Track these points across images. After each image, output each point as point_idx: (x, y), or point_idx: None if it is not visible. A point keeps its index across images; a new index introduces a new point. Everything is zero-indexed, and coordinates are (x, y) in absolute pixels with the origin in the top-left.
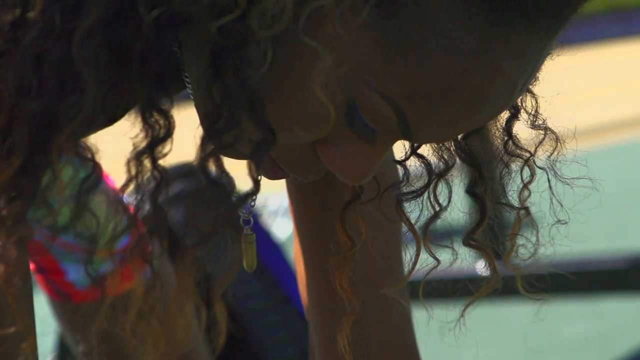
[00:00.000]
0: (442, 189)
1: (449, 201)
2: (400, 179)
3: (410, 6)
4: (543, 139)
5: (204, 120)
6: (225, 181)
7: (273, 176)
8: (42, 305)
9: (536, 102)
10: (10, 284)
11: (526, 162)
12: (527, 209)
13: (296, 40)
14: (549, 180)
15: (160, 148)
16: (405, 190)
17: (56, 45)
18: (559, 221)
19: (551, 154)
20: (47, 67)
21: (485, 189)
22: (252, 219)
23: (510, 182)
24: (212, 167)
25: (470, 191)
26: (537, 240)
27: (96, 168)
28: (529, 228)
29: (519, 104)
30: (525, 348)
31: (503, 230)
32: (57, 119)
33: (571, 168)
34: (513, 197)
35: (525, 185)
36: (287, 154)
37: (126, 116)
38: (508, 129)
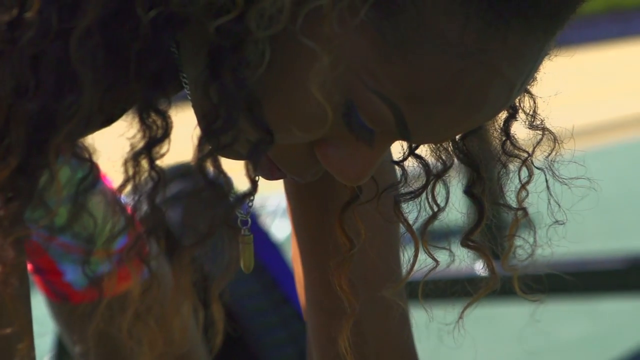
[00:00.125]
0: (440, 189)
1: (447, 202)
2: (399, 179)
3: (408, 7)
4: (541, 139)
5: (202, 121)
6: (222, 181)
7: (270, 177)
8: (39, 306)
9: (534, 102)
10: (7, 285)
11: (524, 162)
12: (524, 209)
13: (294, 41)
14: (546, 181)
15: (157, 148)
16: (403, 191)
17: (53, 45)
18: (556, 222)
19: (549, 154)
20: (44, 67)
21: (483, 190)
22: (249, 220)
23: (508, 182)
24: (209, 168)
25: (468, 192)
26: (535, 241)
27: (93, 168)
28: (527, 229)
29: (517, 104)
30: (523, 348)
31: (501, 230)
32: (54, 119)
33: (569, 168)
34: (511, 198)
35: (523, 186)
36: (285, 154)
37: (124, 116)
38: (506, 129)
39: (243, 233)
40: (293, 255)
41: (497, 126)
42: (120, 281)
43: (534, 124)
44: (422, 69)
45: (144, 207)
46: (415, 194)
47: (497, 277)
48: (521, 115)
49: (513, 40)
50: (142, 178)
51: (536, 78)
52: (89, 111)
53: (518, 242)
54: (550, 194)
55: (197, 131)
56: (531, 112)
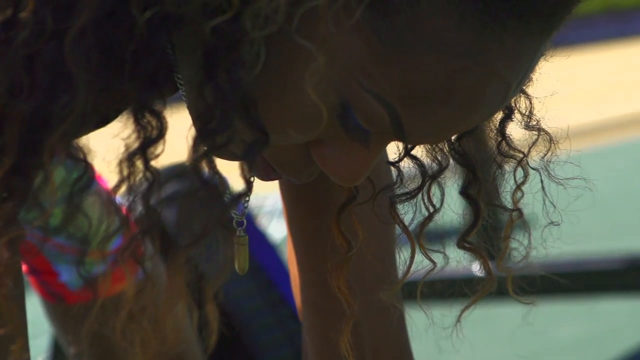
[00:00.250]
0: (436, 190)
1: (442, 203)
2: (394, 180)
3: (404, 7)
4: (536, 139)
5: (197, 121)
6: (217, 182)
7: (266, 177)
8: (36, 307)
9: (530, 102)
10: (1, 285)
11: (519, 162)
12: (520, 210)
13: (289, 41)
14: (541, 181)
15: (152, 149)
16: (399, 192)
17: (48, 45)
18: (551, 222)
19: (545, 154)
20: (38, 68)
21: (478, 191)
22: (245, 221)
23: (504, 183)
24: (204, 168)
25: (464, 193)
26: (530, 242)
27: (88, 169)
28: (523, 229)
29: (513, 104)
30: (520, 349)
31: (497, 231)
32: (48, 119)
33: (567, 169)
34: (506, 199)
35: (519, 187)
36: (280, 155)
37: (119, 117)
38: (502, 129)
39: (238, 234)
40: (289, 255)
41: (492, 127)
42: (115, 282)
43: (530, 124)
44: (417, 69)
45: (139, 208)
46: (411, 195)
47: (493, 278)
48: (517, 116)
49: (509, 41)
50: (137, 179)
51: (532, 78)
52: (83, 112)
53: (514, 243)
54: (545, 194)
55: (192, 132)
56: (527, 113)
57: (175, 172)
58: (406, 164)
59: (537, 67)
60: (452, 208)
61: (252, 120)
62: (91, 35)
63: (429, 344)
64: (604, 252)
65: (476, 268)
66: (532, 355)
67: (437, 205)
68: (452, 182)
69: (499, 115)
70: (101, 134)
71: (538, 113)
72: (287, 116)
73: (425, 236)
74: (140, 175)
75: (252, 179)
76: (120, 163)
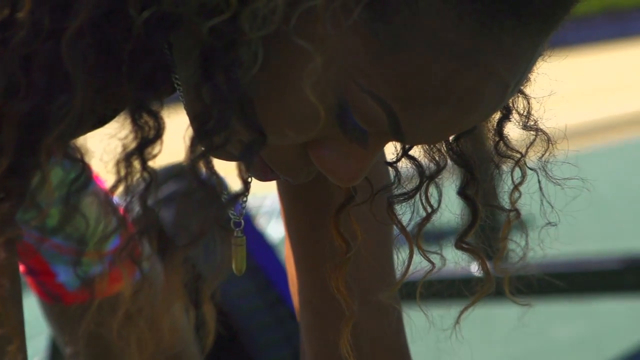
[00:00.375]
0: (433, 190)
1: (439, 203)
2: (392, 181)
3: (401, 7)
4: (534, 139)
5: (194, 122)
6: (215, 182)
7: (263, 178)
8: (34, 307)
9: (528, 103)
10: None
11: (517, 163)
12: (517, 210)
13: (287, 41)
14: (539, 182)
15: (149, 149)
16: (396, 193)
17: (45, 45)
18: (549, 223)
19: (542, 155)
20: (35, 68)
21: (476, 191)
22: (242, 221)
23: (502, 183)
24: (202, 169)
25: (461, 193)
26: (527, 242)
27: (85, 169)
28: (521, 230)
29: (511, 105)
30: (518, 349)
31: (496, 232)
32: (46, 119)
33: (565, 169)
34: (504, 199)
35: (516, 187)
36: (278, 155)
37: (116, 118)
38: (499, 129)
39: (236, 235)
40: (286, 256)
41: (490, 127)
42: (113, 282)
43: (528, 124)
44: (415, 70)
45: (136, 208)
46: (408, 196)
47: (492, 279)
48: (515, 116)
49: (507, 41)
50: (134, 179)
51: (530, 78)
52: (80, 112)
53: (512, 244)
54: (543, 195)
55: (190, 132)
56: (525, 113)
57: (173, 172)
58: (404, 165)
59: (535, 68)
60: (450, 209)
61: (249, 121)
62: (88, 36)
63: (427, 344)
64: (602, 252)
65: (474, 269)
66: (530, 356)
67: (435, 206)
68: (450, 183)
69: (496, 116)
70: (98, 134)
71: (536, 113)
72: (285, 116)
73: (423, 237)
74: (138, 175)
75: (249, 179)
76: (118, 163)
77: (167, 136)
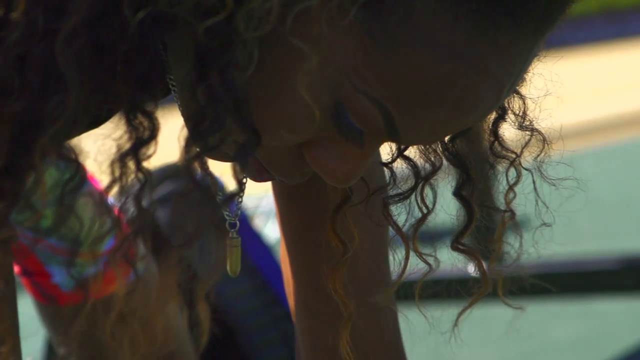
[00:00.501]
0: (429, 191)
1: (434, 204)
2: (387, 181)
3: (397, 7)
4: (529, 140)
5: (189, 122)
6: (209, 183)
7: (258, 178)
8: (29, 307)
9: (524, 103)
10: None
11: (512, 163)
12: (512, 211)
13: (282, 41)
14: (534, 182)
15: (144, 150)
16: (392, 193)
17: (39, 46)
18: (544, 224)
19: (538, 155)
20: (30, 68)
21: (472, 191)
22: (237, 222)
23: (497, 184)
24: (197, 169)
25: (457, 194)
26: (521, 243)
27: (80, 169)
28: (517, 230)
29: (506, 105)
30: (515, 350)
31: (493, 232)
32: (40, 120)
33: (562, 170)
34: (500, 200)
35: (511, 187)
36: (273, 155)
37: (110, 118)
38: (495, 130)
39: (231, 236)
40: (282, 257)
41: (486, 127)
42: (108, 283)
43: (524, 124)
44: (410, 70)
45: (131, 209)
46: (404, 196)
47: (488, 280)
48: (510, 116)
49: (502, 41)
50: (129, 179)
51: (525, 79)
52: (75, 112)
53: (507, 244)
54: (538, 196)
55: (184, 132)
56: (520, 113)
57: (168, 173)
58: (399, 165)
59: (530, 68)
60: (446, 209)
61: (244, 121)
62: (83, 36)
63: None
64: (600, 252)
65: (472, 269)
66: (527, 356)
67: (431, 207)
68: (446, 183)
69: (492, 116)
70: (93, 134)
71: (532, 113)
72: (280, 117)
73: (419, 237)
74: (132, 176)
75: (244, 179)
76: (112, 164)
77: (162, 137)
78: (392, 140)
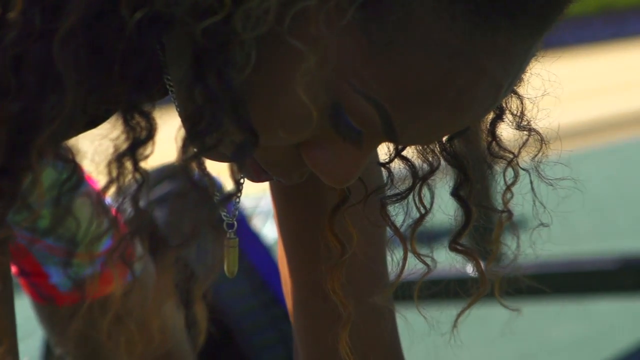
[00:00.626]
0: (427, 191)
1: (431, 204)
2: (385, 181)
3: (395, 7)
4: (527, 140)
5: (186, 123)
6: (207, 183)
7: (256, 178)
8: (26, 308)
9: (521, 103)
10: None
11: (509, 163)
12: (509, 211)
13: (280, 42)
14: (531, 182)
15: (141, 150)
16: (389, 194)
17: (36, 46)
18: (542, 224)
19: (535, 155)
20: (27, 68)
21: (470, 192)
22: (235, 223)
23: (495, 184)
24: (194, 169)
25: (455, 194)
26: (518, 243)
27: (77, 170)
28: (515, 231)
29: (504, 105)
30: (513, 349)
31: (491, 232)
32: (37, 120)
33: (561, 169)
34: (497, 200)
35: (509, 187)
36: (271, 156)
37: (108, 119)
38: (492, 130)
39: (228, 236)
40: (279, 257)
41: (483, 127)
42: (105, 284)
43: (521, 124)
44: (408, 70)
45: (128, 209)
46: (401, 196)
47: (487, 281)
48: (508, 116)
49: (500, 41)
50: (126, 180)
51: (523, 79)
52: (72, 112)
53: (505, 244)
54: (535, 196)
55: (182, 133)
56: (518, 113)
57: (166, 173)
58: (397, 165)
59: (528, 68)
60: (444, 210)
61: (241, 122)
62: (80, 36)
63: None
64: (598, 252)
65: (470, 270)
66: (525, 356)
67: (429, 207)
68: (443, 184)
69: (490, 116)
70: (90, 134)
71: (530, 113)
72: (277, 117)
73: (417, 238)
74: (130, 176)
75: (241, 180)
76: (109, 164)
77: (159, 137)
78: (390, 141)
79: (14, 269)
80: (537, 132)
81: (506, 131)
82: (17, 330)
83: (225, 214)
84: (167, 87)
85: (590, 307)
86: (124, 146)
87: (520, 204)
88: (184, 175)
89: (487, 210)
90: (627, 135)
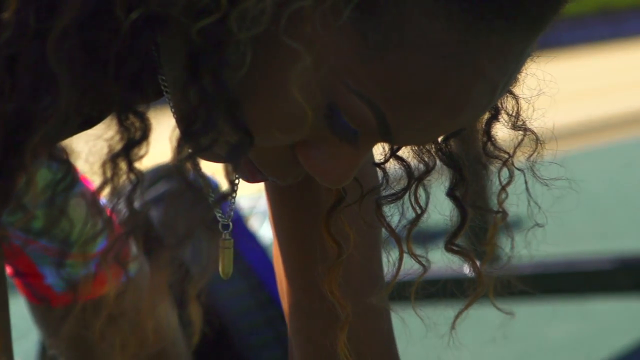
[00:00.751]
0: (422, 192)
1: (426, 205)
2: (380, 182)
3: (390, 7)
4: (522, 139)
5: (181, 123)
6: (201, 183)
7: (251, 179)
8: (22, 308)
9: (517, 103)
10: None
11: (504, 163)
12: (504, 211)
13: (275, 42)
14: (525, 183)
15: (136, 150)
16: (384, 194)
17: (30, 46)
18: (538, 224)
19: (530, 155)
20: (20, 68)
21: (466, 192)
22: (230, 224)
23: (490, 184)
24: (189, 170)
25: (451, 194)
26: (512, 245)
27: (71, 170)
28: (510, 231)
29: (500, 105)
30: (511, 349)
31: (487, 232)
32: (31, 120)
33: (556, 169)
34: (494, 200)
35: (504, 188)
36: (266, 156)
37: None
38: (488, 130)
39: (224, 237)
40: (274, 257)
41: (479, 127)
42: (100, 284)
43: (517, 124)
44: (403, 70)
45: (123, 210)
46: (397, 197)
47: (484, 281)
48: (504, 116)
49: (496, 41)
50: (121, 180)
51: (519, 79)
52: (66, 113)
53: (501, 245)
54: (530, 195)
55: (176, 133)
56: (514, 113)
57: (162, 173)
58: (392, 165)
59: (524, 68)
60: (440, 210)
61: (236, 122)
62: (74, 36)
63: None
64: (595, 252)
65: (467, 270)
66: (522, 355)
67: (424, 207)
68: (439, 184)
69: (485, 116)
70: (84, 135)
71: (526, 113)
72: (272, 117)
73: (413, 238)
74: (124, 177)
75: (236, 180)
76: (104, 165)
77: (154, 137)
78: (386, 141)
79: (8, 270)
80: (533, 132)
81: (501, 131)
82: (11, 330)
83: (220, 214)
84: (162, 87)
85: (588, 307)
86: (119, 146)
87: (517, 204)
88: (179, 175)
89: (483, 211)
90: (625, 135)
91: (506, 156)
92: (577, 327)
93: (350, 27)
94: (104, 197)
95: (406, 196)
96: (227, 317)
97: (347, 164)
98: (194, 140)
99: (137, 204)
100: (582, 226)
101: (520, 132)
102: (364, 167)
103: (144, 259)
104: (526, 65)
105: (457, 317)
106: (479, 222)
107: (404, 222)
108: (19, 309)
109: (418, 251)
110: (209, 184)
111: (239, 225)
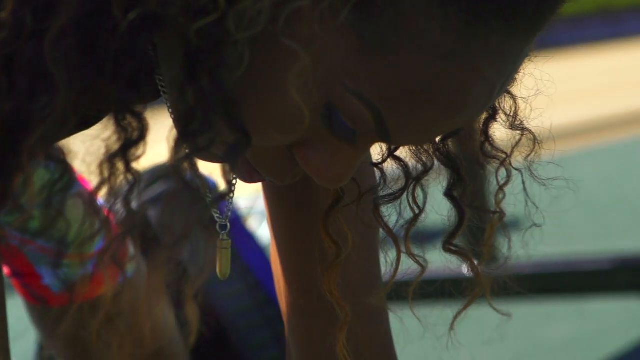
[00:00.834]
0: (420, 192)
1: (424, 205)
2: (378, 182)
3: (388, 8)
4: (520, 139)
5: (178, 123)
6: (199, 183)
7: (248, 179)
8: (20, 308)
9: (515, 103)
10: None
11: (502, 163)
12: (502, 212)
13: (273, 42)
14: (523, 183)
15: (133, 150)
16: (382, 194)
17: (27, 45)
18: (535, 224)
19: (528, 155)
20: (17, 68)
21: (463, 192)
22: (228, 224)
23: (488, 184)
24: (186, 170)
25: (448, 194)
26: (509, 245)
27: (68, 170)
28: (508, 231)
29: (497, 105)
30: (509, 349)
31: (484, 232)
32: (27, 120)
33: (554, 169)
34: (490, 200)
35: (501, 188)
36: (263, 156)
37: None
38: (485, 130)
39: (221, 238)
40: (272, 257)
41: (477, 127)
42: (97, 285)
43: (515, 124)
44: (401, 70)
45: (120, 210)
46: (394, 197)
47: (482, 281)
48: (501, 116)
49: (493, 41)
50: (118, 180)
51: (517, 79)
52: (63, 113)
53: (498, 245)
54: (527, 195)
55: (174, 133)
56: (511, 113)
57: (160, 173)
58: (390, 165)
59: (522, 68)
60: (438, 210)
61: (234, 122)
62: (71, 36)
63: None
64: (594, 252)
65: (465, 270)
66: (521, 355)
67: (422, 207)
68: (437, 184)
69: (483, 116)
70: (82, 135)
71: (524, 113)
72: (270, 117)
73: (411, 238)
74: (121, 177)
75: (234, 180)
76: (101, 165)
77: (151, 137)
78: (383, 141)
79: (6, 270)
80: (531, 132)
81: (499, 131)
82: (8, 330)
83: (218, 215)
84: (160, 87)
85: (586, 307)
86: (116, 147)
87: (514, 204)
88: (176, 175)
89: (480, 211)
90: (623, 135)
91: (504, 156)
92: (576, 327)
93: (348, 28)
94: (101, 197)
95: (404, 196)
96: (225, 317)
97: (345, 164)
98: (191, 140)
99: (134, 204)
100: (580, 226)
101: (518, 132)
102: (362, 167)
103: (142, 259)
104: (524, 65)
105: (455, 317)
106: (476, 222)
107: (401, 222)
108: (17, 309)
109: (416, 251)
110: (207, 184)
111: (237, 226)
